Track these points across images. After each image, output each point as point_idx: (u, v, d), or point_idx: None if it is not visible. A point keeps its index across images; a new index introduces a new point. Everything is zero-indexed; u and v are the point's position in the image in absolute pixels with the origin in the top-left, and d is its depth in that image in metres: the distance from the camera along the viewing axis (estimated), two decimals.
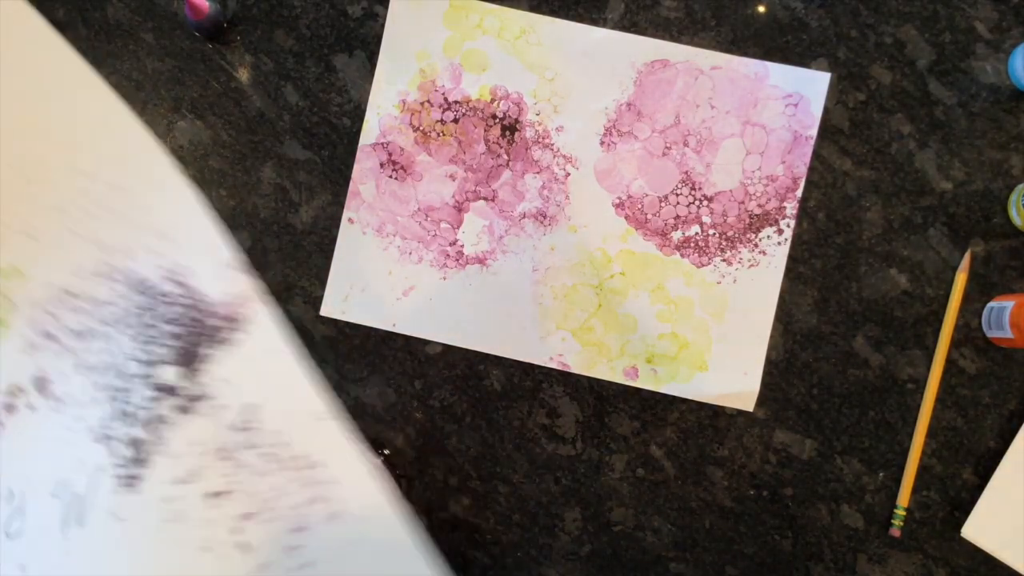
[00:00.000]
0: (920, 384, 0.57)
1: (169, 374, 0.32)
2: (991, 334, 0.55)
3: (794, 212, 0.57)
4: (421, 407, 0.59)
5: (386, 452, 0.59)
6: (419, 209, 0.59)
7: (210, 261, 0.33)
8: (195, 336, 0.32)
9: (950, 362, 0.56)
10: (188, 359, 0.31)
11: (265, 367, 0.32)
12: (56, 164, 0.31)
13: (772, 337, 0.57)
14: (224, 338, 0.32)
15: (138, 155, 0.31)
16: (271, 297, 0.35)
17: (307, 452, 0.31)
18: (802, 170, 0.58)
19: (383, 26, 0.59)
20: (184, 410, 0.32)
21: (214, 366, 0.32)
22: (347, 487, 0.31)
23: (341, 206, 0.59)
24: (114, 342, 0.32)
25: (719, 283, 0.58)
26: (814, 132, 0.57)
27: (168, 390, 0.32)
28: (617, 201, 0.58)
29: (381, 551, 0.32)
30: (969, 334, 0.57)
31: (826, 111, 0.57)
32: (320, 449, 0.31)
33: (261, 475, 0.31)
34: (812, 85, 0.57)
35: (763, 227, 0.58)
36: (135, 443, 0.32)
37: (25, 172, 0.31)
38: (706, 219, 0.58)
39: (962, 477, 0.57)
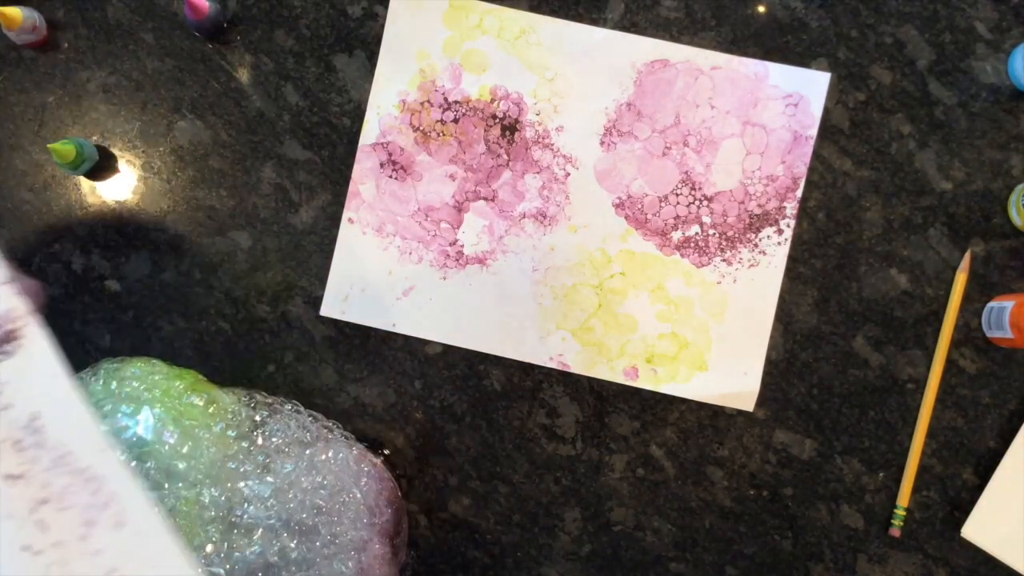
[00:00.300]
0: (920, 384, 0.57)
1: None
2: (991, 334, 0.55)
3: (794, 212, 0.58)
4: (421, 407, 0.59)
5: (386, 452, 0.59)
6: (419, 209, 0.59)
7: None
8: None
9: (950, 362, 0.56)
10: None
11: (41, 386, 0.34)
12: None
13: (772, 337, 0.57)
14: (2, 349, 0.34)
15: None
16: (42, 318, 0.36)
17: (91, 466, 0.34)
18: (802, 170, 0.58)
19: (383, 26, 0.59)
20: None
21: None
22: (129, 505, 0.34)
23: (341, 206, 0.59)
24: None
25: (719, 283, 0.58)
26: (814, 132, 0.57)
27: None
28: (617, 201, 0.58)
29: (161, 562, 0.35)
30: (969, 334, 0.57)
31: (826, 111, 0.57)
32: (103, 468, 0.34)
33: (52, 472, 0.34)
34: (812, 85, 0.57)
35: (763, 227, 0.58)
36: None
37: None
38: (706, 219, 0.58)
39: (962, 477, 0.57)
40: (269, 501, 0.51)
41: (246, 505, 0.51)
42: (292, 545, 0.51)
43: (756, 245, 0.58)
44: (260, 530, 0.51)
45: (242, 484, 0.51)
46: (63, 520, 0.34)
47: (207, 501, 0.51)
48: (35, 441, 0.34)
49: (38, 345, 0.34)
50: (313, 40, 0.60)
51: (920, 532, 0.57)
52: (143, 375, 0.54)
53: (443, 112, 0.59)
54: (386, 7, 0.59)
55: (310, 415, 0.57)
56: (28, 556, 0.33)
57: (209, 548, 0.50)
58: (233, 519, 0.51)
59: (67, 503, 0.34)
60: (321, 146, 0.60)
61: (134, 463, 0.51)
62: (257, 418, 0.54)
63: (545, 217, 0.59)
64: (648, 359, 0.58)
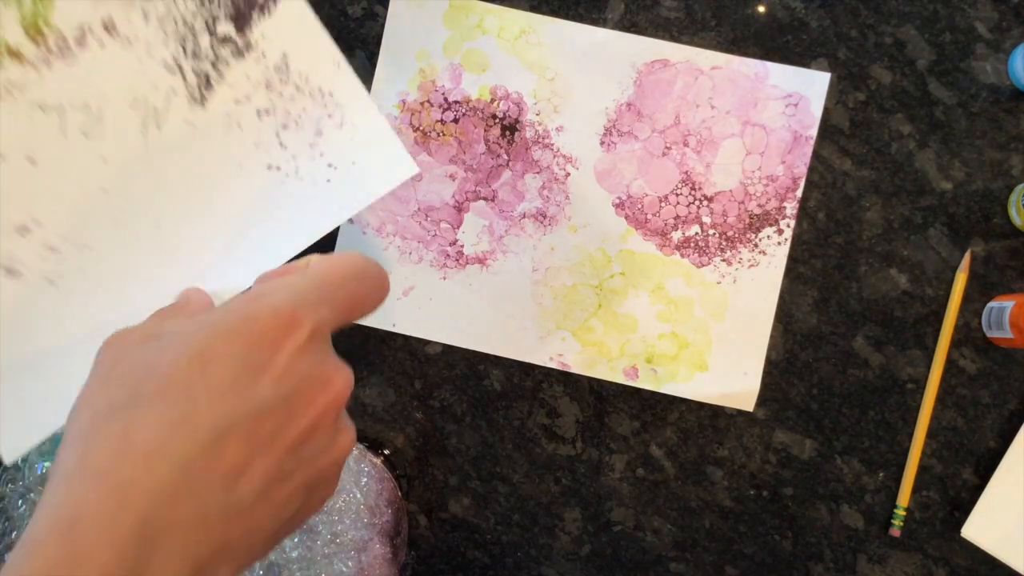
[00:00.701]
0: (920, 384, 0.57)
1: (227, 28, 0.45)
2: (991, 334, 0.55)
3: (794, 212, 0.58)
4: (421, 407, 0.59)
5: (386, 452, 0.59)
6: (419, 209, 0.59)
7: None
8: (242, 3, 0.45)
9: (950, 362, 0.56)
10: (239, 20, 0.45)
11: (290, 31, 0.45)
12: None
13: (772, 337, 0.57)
14: (264, 6, 0.45)
15: None
16: None
17: (323, 85, 0.45)
18: (802, 170, 0.58)
19: (383, 26, 0.59)
20: (238, 54, 0.45)
21: (258, 25, 0.45)
22: (350, 107, 0.45)
23: None
24: (179, 2, 0.45)
25: (719, 283, 0.58)
26: (814, 132, 0.57)
27: (226, 39, 0.45)
28: (617, 201, 0.58)
29: (373, 145, 0.46)
30: (969, 334, 0.57)
31: (826, 111, 0.57)
32: (333, 84, 0.45)
33: (293, 100, 0.45)
34: (812, 85, 0.57)
35: (763, 227, 0.58)
36: (202, 74, 0.45)
37: None
38: (706, 219, 0.58)
39: (962, 477, 0.57)
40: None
41: None
42: (292, 544, 0.51)
43: (756, 245, 0.58)
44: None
45: None
46: (297, 136, 0.45)
47: None
48: (281, 77, 0.45)
49: (292, 3, 0.45)
50: None
51: (920, 532, 0.57)
52: None
53: (443, 112, 0.59)
54: (386, 7, 0.59)
55: None
56: (272, 172, 0.45)
57: None
58: None
59: (301, 123, 0.45)
60: None
61: None
62: None
63: (545, 217, 0.59)
64: (648, 359, 0.58)
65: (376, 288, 0.35)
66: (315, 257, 0.35)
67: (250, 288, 0.33)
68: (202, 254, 0.44)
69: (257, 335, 0.29)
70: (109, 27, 0.45)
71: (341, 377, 0.31)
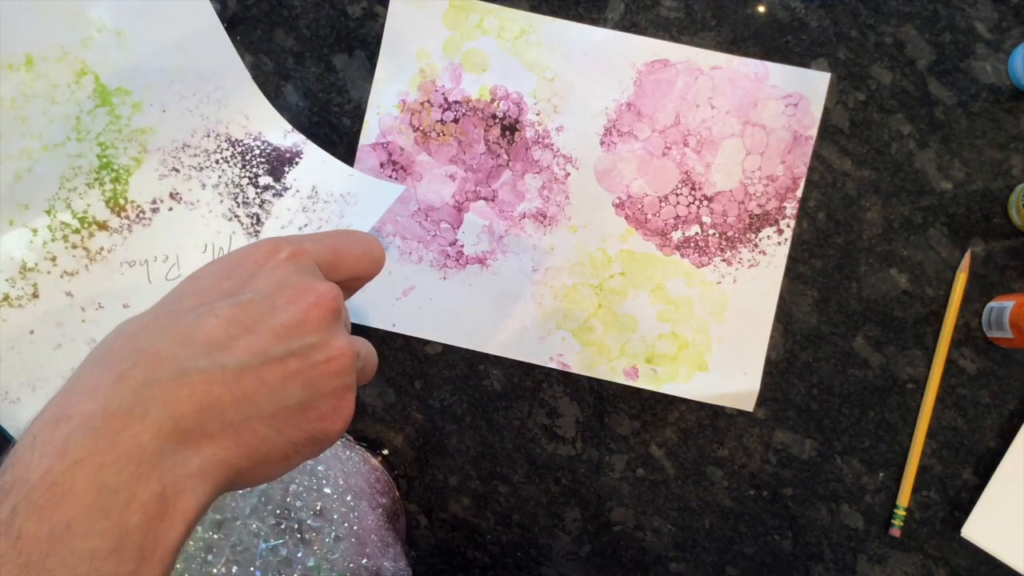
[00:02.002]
0: (920, 384, 0.57)
1: (266, 179, 0.56)
2: (991, 334, 0.55)
3: (794, 212, 0.57)
4: (421, 407, 0.59)
5: (386, 452, 0.59)
6: (419, 209, 0.59)
7: (276, 127, 0.57)
8: (276, 160, 0.57)
9: (950, 362, 0.56)
10: (275, 172, 0.56)
11: (314, 170, 0.57)
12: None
13: (772, 337, 0.57)
14: (292, 160, 0.57)
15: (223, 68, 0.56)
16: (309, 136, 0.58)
17: (344, 192, 0.56)
18: (802, 170, 0.58)
19: (383, 26, 0.59)
20: (278, 195, 0.56)
21: (290, 172, 0.57)
22: (363, 193, 0.56)
23: None
24: (227, 170, 0.56)
25: (719, 283, 0.58)
26: (814, 132, 0.57)
27: (267, 187, 0.56)
28: (617, 201, 0.58)
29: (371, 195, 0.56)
30: (969, 334, 0.57)
31: (826, 111, 0.57)
32: (349, 187, 0.56)
33: (323, 209, 0.55)
34: (812, 85, 0.57)
35: (763, 227, 0.58)
36: (253, 215, 0.56)
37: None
38: (706, 219, 0.58)
39: (962, 477, 0.57)
40: (268, 504, 0.51)
41: (246, 509, 0.51)
42: (292, 546, 0.51)
43: (756, 245, 0.58)
44: (261, 533, 0.51)
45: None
46: (329, 227, 0.55)
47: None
48: (311, 203, 0.56)
49: (312, 152, 0.57)
50: (313, 40, 0.60)
51: (920, 532, 0.57)
52: None
53: (443, 112, 0.59)
54: (386, 7, 0.59)
55: None
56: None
57: (208, 556, 0.50)
58: (234, 523, 0.51)
59: (331, 218, 0.55)
60: (321, 146, 0.60)
61: None
62: None
63: (545, 217, 0.59)
64: (648, 359, 0.58)
65: (360, 242, 0.36)
66: None
67: None
68: None
69: (239, 256, 0.32)
70: (175, 195, 0.55)
71: (326, 286, 0.32)
